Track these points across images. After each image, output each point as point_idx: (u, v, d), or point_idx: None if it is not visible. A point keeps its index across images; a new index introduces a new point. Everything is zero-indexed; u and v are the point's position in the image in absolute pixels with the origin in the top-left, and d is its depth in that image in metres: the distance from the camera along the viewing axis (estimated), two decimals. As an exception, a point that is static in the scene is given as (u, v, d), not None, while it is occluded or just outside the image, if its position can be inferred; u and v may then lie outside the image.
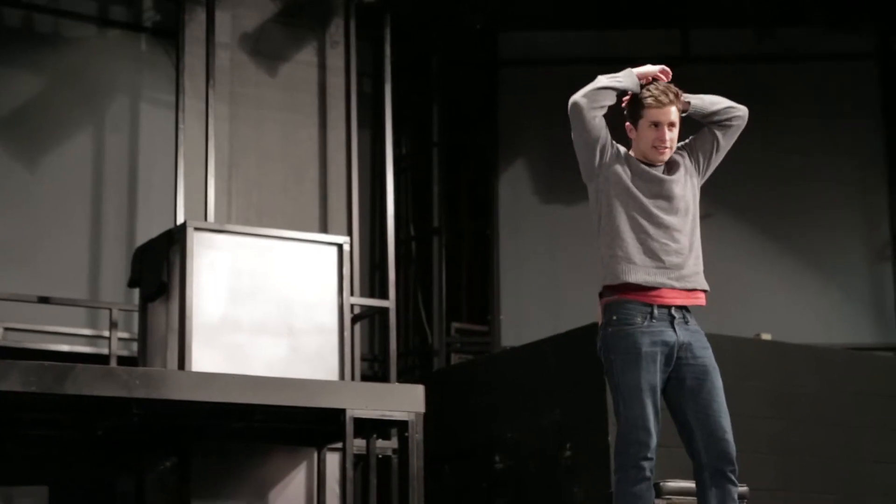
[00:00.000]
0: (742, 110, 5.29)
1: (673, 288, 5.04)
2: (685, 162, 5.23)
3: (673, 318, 5.03)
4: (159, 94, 10.28)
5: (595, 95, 5.06)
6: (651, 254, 5.02)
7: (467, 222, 12.22)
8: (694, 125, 5.33)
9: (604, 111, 5.07)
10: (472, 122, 12.24)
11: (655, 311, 5.00)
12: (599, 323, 5.13)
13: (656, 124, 5.11)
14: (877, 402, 9.65)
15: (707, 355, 5.07)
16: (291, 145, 9.72)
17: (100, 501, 8.21)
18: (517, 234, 11.80)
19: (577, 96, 5.06)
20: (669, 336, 4.99)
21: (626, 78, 5.10)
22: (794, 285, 11.58)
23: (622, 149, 5.16)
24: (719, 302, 11.10)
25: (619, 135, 5.18)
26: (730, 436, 5.01)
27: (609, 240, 5.07)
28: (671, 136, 5.13)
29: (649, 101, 5.11)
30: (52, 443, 8.09)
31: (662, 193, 5.11)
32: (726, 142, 5.30)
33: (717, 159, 5.31)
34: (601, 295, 5.12)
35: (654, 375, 4.94)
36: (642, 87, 5.11)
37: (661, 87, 5.14)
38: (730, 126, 5.28)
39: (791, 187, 11.72)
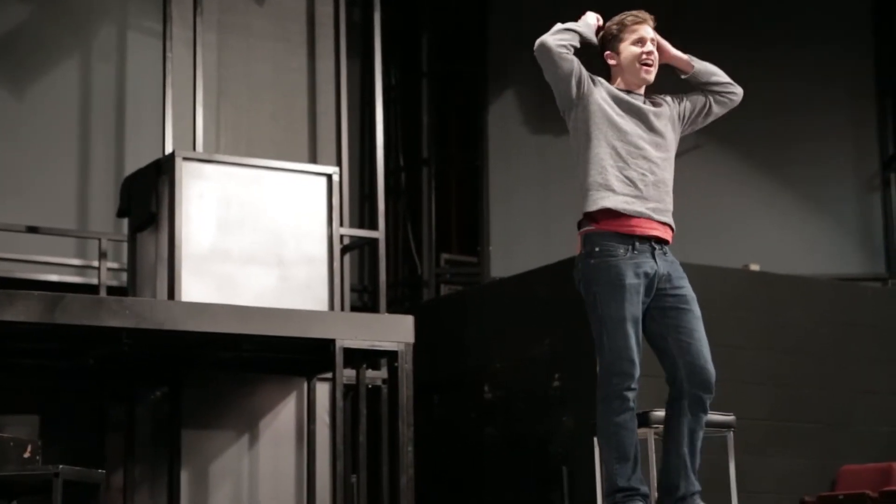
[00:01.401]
0: (738, 91, 5.33)
1: (650, 219, 5.06)
2: (671, 108, 5.25)
3: (654, 248, 5.05)
4: (147, 21, 10.20)
5: (559, 34, 5.10)
6: (629, 182, 5.02)
7: (456, 153, 12.20)
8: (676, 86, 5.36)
9: (570, 51, 5.08)
10: (462, 51, 12.17)
11: (637, 243, 5.02)
12: (578, 254, 5.13)
13: (640, 40, 5.14)
14: (863, 333, 9.71)
15: (686, 284, 5.10)
16: (280, 75, 9.67)
17: (91, 430, 8.25)
18: (506, 165, 11.79)
19: (542, 37, 5.09)
20: (651, 267, 5.01)
21: (584, 25, 5.15)
22: (782, 216, 11.60)
23: (601, 79, 5.16)
24: (708, 232, 11.15)
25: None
26: (711, 364, 5.06)
27: (587, 167, 5.06)
28: (655, 51, 5.16)
29: (629, 19, 5.17)
30: (43, 372, 8.11)
31: (643, 124, 5.11)
32: (718, 109, 5.34)
33: (700, 122, 5.35)
34: (580, 224, 5.12)
35: (636, 307, 4.96)
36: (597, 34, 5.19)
37: (634, 11, 5.19)
38: (723, 99, 5.32)
39: (781, 117, 11.70)
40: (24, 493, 6.64)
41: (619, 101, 5.11)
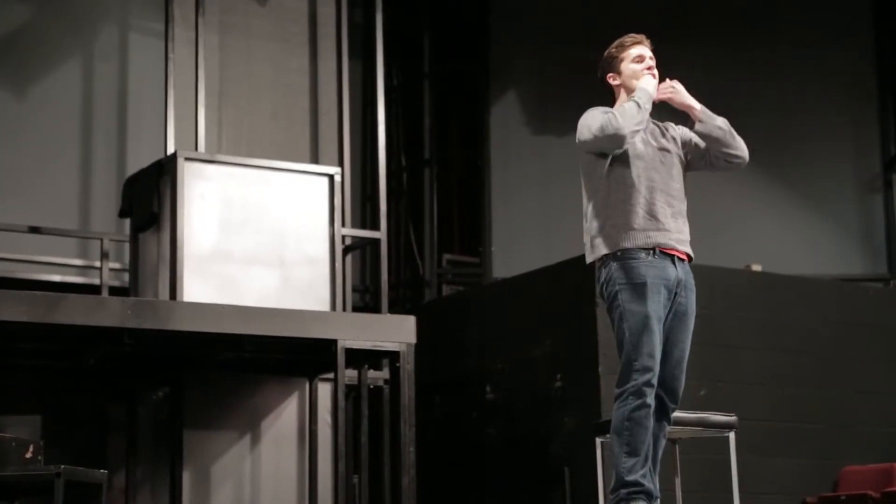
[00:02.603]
0: (742, 157, 5.32)
1: (673, 248, 5.13)
2: (677, 139, 5.34)
3: (672, 256, 5.12)
4: (148, 22, 10.20)
5: (637, 118, 5.10)
6: (650, 217, 5.13)
7: (458, 153, 12.19)
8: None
9: None
10: (463, 52, 12.17)
11: (657, 251, 5.10)
12: (598, 261, 5.16)
13: (640, 57, 5.30)
14: (865, 333, 9.70)
15: (692, 298, 5.23)
16: (282, 75, 9.67)
17: (93, 431, 8.25)
18: (508, 165, 11.78)
19: (630, 126, 5.07)
20: (671, 272, 5.10)
21: (648, 98, 5.17)
22: (784, 216, 11.60)
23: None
24: (710, 233, 11.12)
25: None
26: (684, 377, 5.17)
27: (605, 209, 5.14)
28: (654, 67, 5.29)
29: (627, 40, 5.33)
30: (45, 373, 8.11)
31: (659, 156, 5.22)
32: (712, 166, 5.39)
33: (697, 166, 5.42)
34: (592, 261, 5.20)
35: (659, 305, 5.03)
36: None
37: (631, 33, 5.34)
38: (719, 163, 5.40)
39: (782, 118, 11.70)
40: (26, 494, 6.64)
41: (642, 141, 5.18)
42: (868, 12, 11.98)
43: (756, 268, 9.90)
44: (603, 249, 5.11)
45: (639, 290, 5.02)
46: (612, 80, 5.31)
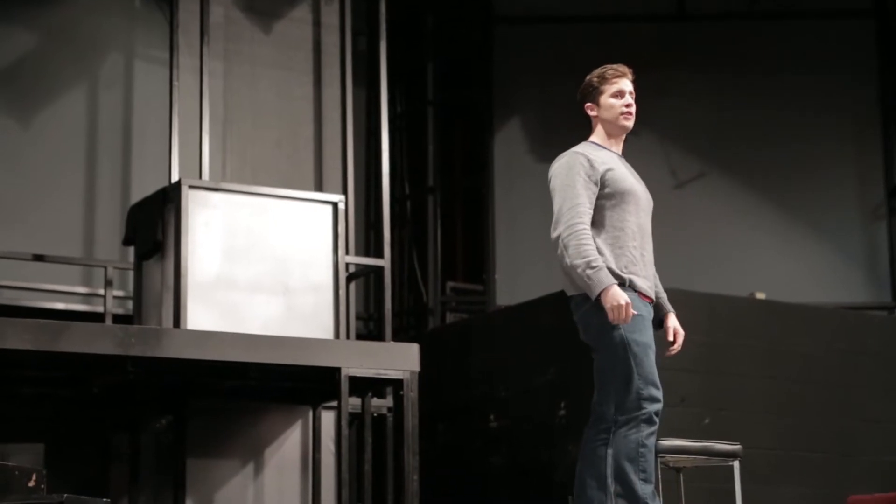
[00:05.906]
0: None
1: (647, 294, 5.24)
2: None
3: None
4: (153, 51, 10.24)
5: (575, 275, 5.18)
6: (643, 263, 5.17)
7: (462, 181, 12.21)
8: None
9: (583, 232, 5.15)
10: (467, 80, 12.21)
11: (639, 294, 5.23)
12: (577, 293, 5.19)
13: (619, 92, 5.27)
14: (869, 362, 9.69)
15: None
16: (286, 103, 9.68)
17: (96, 459, 8.24)
18: (511, 193, 11.80)
19: (570, 266, 5.20)
20: (651, 310, 5.25)
21: (597, 284, 5.09)
22: (788, 244, 11.60)
23: (596, 162, 5.19)
24: (714, 261, 11.14)
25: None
26: None
27: (608, 248, 5.17)
28: (633, 103, 5.30)
29: (609, 73, 5.29)
30: (48, 401, 8.10)
31: (638, 190, 5.32)
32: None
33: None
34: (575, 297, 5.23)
35: (652, 336, 5.11)
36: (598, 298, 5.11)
37: (615, 65, 5.30)
38: None
39: (786, 146, 11.72)
40: (29, 522, 6.62)
41: (622, 174, 5.22)
42: (871, 40, 12.01)
43: (759, 296, 9.90)
44: (606, 286, 5.12)
45: (640, 320, 5.12)
46: (590, 111, 5.32)
